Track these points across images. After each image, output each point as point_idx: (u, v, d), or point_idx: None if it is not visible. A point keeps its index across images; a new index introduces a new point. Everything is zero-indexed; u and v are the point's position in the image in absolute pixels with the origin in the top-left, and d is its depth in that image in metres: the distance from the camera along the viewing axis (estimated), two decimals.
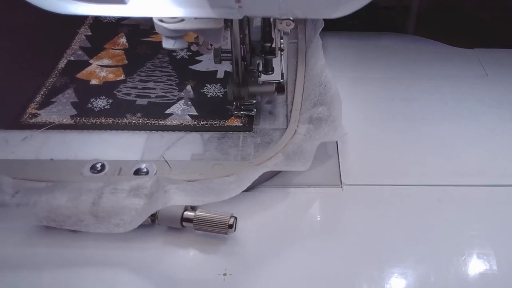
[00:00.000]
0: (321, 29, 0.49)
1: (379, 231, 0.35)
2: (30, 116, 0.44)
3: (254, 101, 0.45)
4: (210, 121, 0.43)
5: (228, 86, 0.41)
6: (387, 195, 0.37)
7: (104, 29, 0.56)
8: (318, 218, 0.36)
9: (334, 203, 0.37)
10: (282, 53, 0.44)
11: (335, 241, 0.34)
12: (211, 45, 0.39)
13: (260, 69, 0.45)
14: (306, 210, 0.37)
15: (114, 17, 0.57)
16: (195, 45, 0.39)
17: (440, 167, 0.39)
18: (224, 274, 0.32)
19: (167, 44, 0.34)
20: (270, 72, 0.45)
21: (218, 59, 0.42)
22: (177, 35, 0.34)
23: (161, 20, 0.33)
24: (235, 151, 0.41)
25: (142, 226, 0.33)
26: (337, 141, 0.41)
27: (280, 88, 0.42)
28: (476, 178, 0.38)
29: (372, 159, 0.40)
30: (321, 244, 0.34)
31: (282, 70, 0.45)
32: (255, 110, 0.44)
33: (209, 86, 0.47)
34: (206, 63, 0.50)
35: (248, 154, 0.40)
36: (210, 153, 0.40)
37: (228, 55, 0.42)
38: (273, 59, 0.44)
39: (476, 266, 0.33)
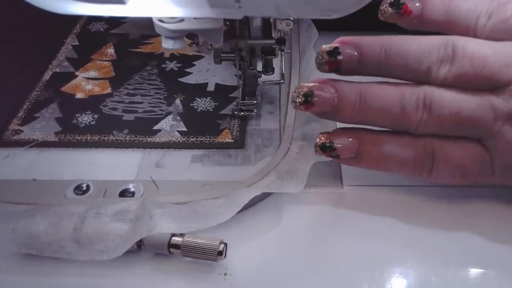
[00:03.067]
0: (315, 40, 0.48)
1: (379, 231, 0.34)
2: (13, 132, 0.42)
3: (255, 101, 0.44)
4: (200, 138, 0.42)
5: (225, 39, 0.39)
6: (388, 196, 0.37)
7: (92, 39, 0.54)
8: (319, 218, 0.35)
9: (335, 204, 0.36)
10: (283, 53, 0.43)
11: (335, 241, 0.34)
12: (211, 45, 0.38)
13: (260, 69, 0.44)
14: (307, 211, 0.36)
15: (102, 26, 0.56)
16: (194, 45, 0.38)
17: None
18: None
19: (167, 44, 0.34)
20: (270, 72, 0.44)
21: (218, 60, 0.41)
22: (176, 35, 0.33)
23: (160, 20, 0.33)
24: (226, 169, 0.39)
25: (128, 252, 0.32)
26: None
27: (281, 40, 0.40)
28: None
29: None
30: (321, 244, 0.34)
31: (282, 71, 0.44)
32: (255, 111, 0.43)
33: (199, 100, 0.45)
34: (196, 76, 0.48)
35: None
36: (199, 171, 0.39)
37: (228, 55, 0.41)
38: (273, 60, 0.43)
39: (476, 265, 0.32)
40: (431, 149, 0.33)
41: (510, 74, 0.31)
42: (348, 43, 0.33)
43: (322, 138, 0.34)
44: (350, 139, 0.34)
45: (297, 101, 0.33)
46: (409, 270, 0.32)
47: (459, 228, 0.34)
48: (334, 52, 0.33)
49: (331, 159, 0.35)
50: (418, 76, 0.33)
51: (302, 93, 0.33)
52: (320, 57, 0.33)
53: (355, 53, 0.33)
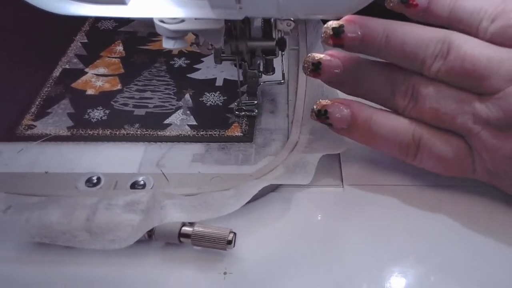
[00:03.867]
0: None
1: (379, 230, 0.34)
2: (26, 127, 0.43)
3: (256, 102, 0.44)
4: (210, 131, 0.42)
5: (226, 41, 0.40)
6: (388, 195, 0.37)
7: (100, 36, 0.55)
8: (319, 218, 0.36)
9: (335, 203, 0.36)
10: (283, 53, 0.43)
11: (335, 240, 0.34)
12: (212, 45, 0.39)
13: (261, 69, 0.44)
14: (307, 210, 0.36)
15: (111, 24, 0.56)
16: (195, 45, 0.38)
17: None
18: (225, 273, 0.32)
19: (168, 44, 0.34)
20: (271, 73, 0.44)
21: (218, 59, 0.42)
22: (177, 35, 0.34)
23: (161, 21, 0.33)
24: (235, 162, 0.40)
25: (139, 241, 0.32)
26: None
27: (281, 42, 0.40)
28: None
29: (373, 159, 0.39)
30: (320, 243, 0.34)
31: (283, 71, 0.44)
32: (256, 111, 0.44)
33: (208, 94, 0.46)
34: (204, 71, 0.49)
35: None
36: (207, 165, 0.39)
37: (229, 55, 0.41)
38: (274, 60, 0.43)
39: (476, 265, 0.32)
40: (418, 137, 0.34)
41: (497, 82, 0.31)
42: (354, 22, 0.34)
43: (319, 105, 0.36)
44: (344, 112, 0.35)
45: (307, 68, 0.36)
46: (409, 269, 0.32)
47: (459, 227, 0.34)
48: (339, 29, 0.34)
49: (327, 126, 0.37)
50: (413, 66, 0.34)
51: (311, 62, 0.36)
52: (325, 32, 0.34)
53: (359, 33, 0.34)
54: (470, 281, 0.32)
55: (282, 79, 0.45)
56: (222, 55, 0.41)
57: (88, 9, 0.31)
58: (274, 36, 0.40)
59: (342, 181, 0.38)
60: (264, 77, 0.44)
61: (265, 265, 0.33)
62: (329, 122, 0.36)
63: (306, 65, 0.36)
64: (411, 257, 0.33)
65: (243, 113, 0.44)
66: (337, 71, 0.35)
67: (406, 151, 0.35)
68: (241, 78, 0.43)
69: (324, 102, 0.36)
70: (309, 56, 0.36)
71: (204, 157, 0.40)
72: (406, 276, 0.32)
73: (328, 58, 0.36)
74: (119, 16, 0.32)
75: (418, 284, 0.31)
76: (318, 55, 0.36)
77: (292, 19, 0.36)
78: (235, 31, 0.39)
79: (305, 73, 0.36)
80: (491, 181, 0.34)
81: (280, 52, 0.42)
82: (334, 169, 0.39)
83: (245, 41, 0.39)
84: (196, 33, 0.36)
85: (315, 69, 0.36)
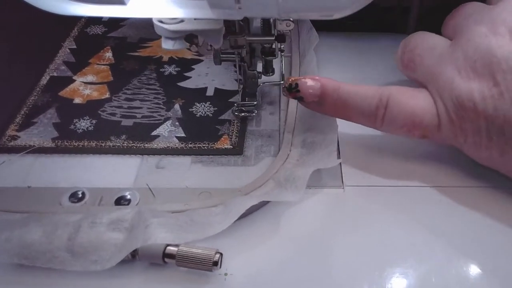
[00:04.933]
0: (315, 43, 0.47)
1: (379, 231, 0.34)
2: (9, 138, 0.42)
3: (255, 103, 0.43)
4: (198, 144, 0.41)
5: (225, 36, 0.39)
6: (388, 196, 0.37)
7: (89, 42, 0.53)
8: (319, 219, 0.35)
9: (335, 204, 0.36)
10: (283, 54, 0.43)
11: (335, 241, 0.34)
12: (211, 46, 0.38)
13: (260, 70, 0.43)
14: (307, 211, 0.36)
15: (100, 29, 0.55)
16: (194, 46, 0.38)
17: (441, 168, 0.38)
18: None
19: (167, 45, 0.33)
20: (270, 74, 0.43)
21: (218, 60, 0.41)
22: (176, 36, 0.33)
23: (160, 21, 0.33)
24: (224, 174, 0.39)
25: (122, 261, 0.31)
26: (338, 142, 0.40)
27: (280, 37, 0.40)
28: (478, 180, 0.37)
29: (373, 160, 0.39)
30: (321, 244, 0.33)
31: (282, 71, 0.44)
32: (255, 112, 0.43)
33: (198, 105, 0.45)
34: (195, 80, 0.48)
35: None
36: (196, 178, 0.38)
37: (228, 56, 0.41)
38: (273, 60, 0.43)
39: (476, 265, 0.32)
40: (386, 97, 0.35)
41: None
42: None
43: (290, 80, 0.38)
44: (314, 84, 0.37)
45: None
46: (409, 270, 0.32)
47: (459, 228, 0.34)
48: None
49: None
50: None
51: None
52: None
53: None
54: (471, 281, 0.31)
55: (281, 80, 0.44)
56: (221, 55, 0.41)
57: (87, 9, 0.31)
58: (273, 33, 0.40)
59: (343, 182, 0.38)
60: (264, 78, 0.44)
61: (261, 271, 0.32)
62: (300, 96, 0.37)
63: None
64: (412, 258, 0.32)
65: (243, 114, 0.43)
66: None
67: (375, 113, 0.36)
68: (241, 79, 0.43)
69: (294, 77, 0.37)
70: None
71: (193, 171, 0.39)
72: (408, 277, 0.31)
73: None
74: (118, 16, 0.31)
75: (419, 285, 0.31)
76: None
77: (291, 19, 0.36)
78: (234, 27, 0.38)
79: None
80: (455, 143, 0.35)
81: (279, 53, 0.42)
82: (334, 170, 0.38)
83: (244, 35, 0.39)
84: (195, 33, 0.35)
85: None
